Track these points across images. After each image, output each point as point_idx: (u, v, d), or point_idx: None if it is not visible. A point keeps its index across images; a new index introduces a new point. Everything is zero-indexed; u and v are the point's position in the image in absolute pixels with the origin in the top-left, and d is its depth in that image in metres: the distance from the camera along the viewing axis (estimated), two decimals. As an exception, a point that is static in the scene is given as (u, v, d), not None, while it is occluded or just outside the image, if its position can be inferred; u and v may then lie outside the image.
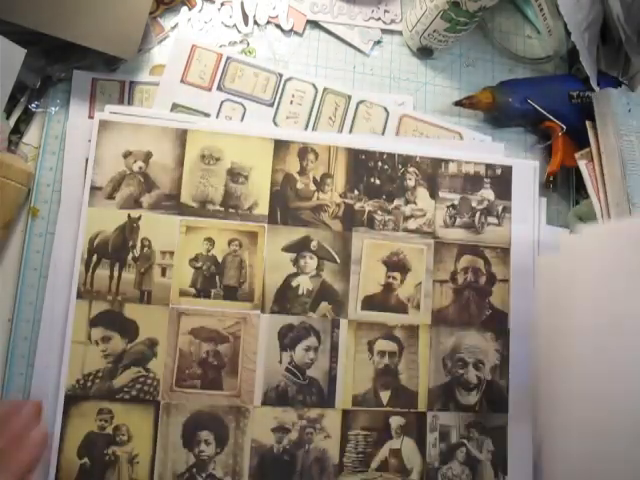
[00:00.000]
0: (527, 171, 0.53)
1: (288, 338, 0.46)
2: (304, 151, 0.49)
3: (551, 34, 0.58)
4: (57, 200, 0.46)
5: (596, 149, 0.52)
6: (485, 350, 0.49)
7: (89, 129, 0.47)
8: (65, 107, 0.48)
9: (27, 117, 0.48)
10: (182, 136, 0.47)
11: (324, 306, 0.47)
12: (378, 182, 0.50)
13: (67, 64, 0.48)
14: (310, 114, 0.52)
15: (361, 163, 0.50)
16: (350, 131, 0.52)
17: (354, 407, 0.47)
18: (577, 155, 0.53)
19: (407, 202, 0.50)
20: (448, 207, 0.51)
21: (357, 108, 0.53)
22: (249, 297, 0.46)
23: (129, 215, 0.46)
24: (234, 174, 0.48)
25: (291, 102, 0.52)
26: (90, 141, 0.46)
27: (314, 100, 0.52)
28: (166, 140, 0.47)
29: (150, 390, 0.44)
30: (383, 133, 0.53)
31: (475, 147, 0.54)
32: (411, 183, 0.50)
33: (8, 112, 0.47)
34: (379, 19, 0.56)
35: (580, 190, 0.56)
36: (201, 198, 0.47)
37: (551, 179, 0.55)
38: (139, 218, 0.46)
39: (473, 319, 0.50)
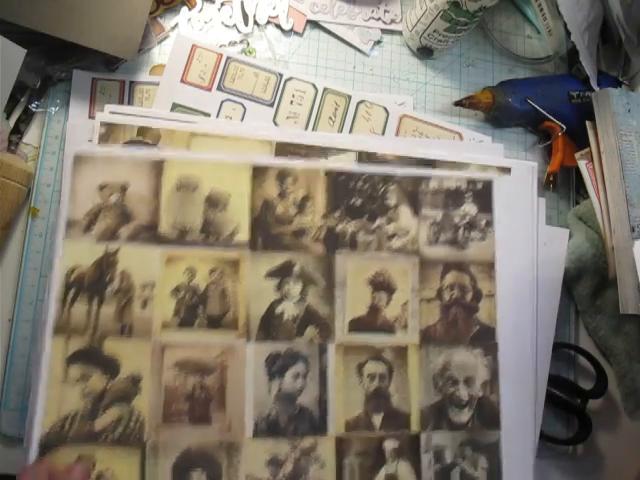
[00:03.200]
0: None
1: (276, 366, 0.45)
2: (283, 175, 0.48)
3: (551, 34, 0.58)
4: (57, 200, 0.46)
5: (596, 149, 0.53)
6: (475, 366, 0.48)
7: (89, 129, 0.46)
8: (65, 107, 0.48)
9: (27, 117, 0.48)
10: (158, 166, 0.46)
11: (310, 331, 0.46)
12: (359, 202, 0.49)
13: (67, 64, 0.48)
14: (310, 114, 0.52)
15: (341, 184, 0.48)
16: (350, 131, 0.52)
17: (347, 432, 0.45)
18: (577, 155, 0.54)
19: (389, 221, 0.49)
20: (431, 224, 0.50)
21: (357, 108, 0.53)
22: (233, 326, 0.45)
23: (107, 248, 0.44)
24: (212, 202, 0.46)
25: (291, 102, 0.52)
26: (91, 141, 0.46)
27: (314, 100, 0.52)
28: (142, 171, 0.46)
29: (135, 430, 0.42)
30: (383, 133, 0.53)
31: (475, 147, 0.54)
32: (392, 202, 0.49)
33: (8, 112, 0.47)
34: (379, 19, 0.56)
35: (580, 190, 0.56)
36: (180, 227, 0.46)
37: (551, 179, 0.55)
38: (117, 250, 0.44)
39: (461, 336, 0.49)
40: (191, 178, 0.46)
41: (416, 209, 0.50)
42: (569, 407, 0.51)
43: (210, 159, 0.47)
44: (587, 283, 0.52)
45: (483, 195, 0.51)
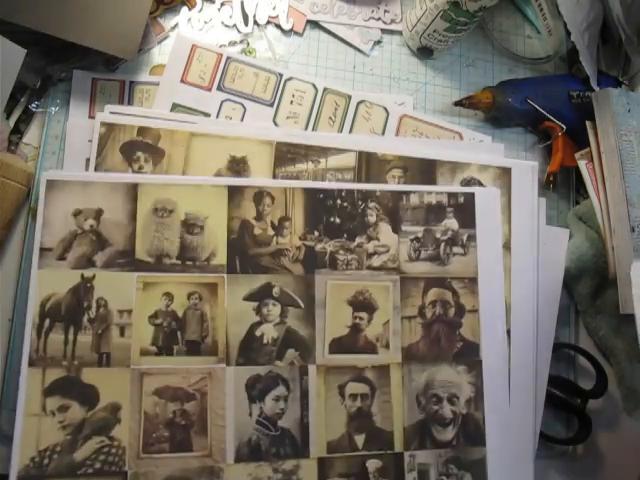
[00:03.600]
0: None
1: (256, 389, 0.45)
2: (259, 195, 0.47)
3: (551, 34, 0.58)
4: (57, 200, 0.46)
5: (596, 149, 0.53)
6: (458, 383, 0.48)
7: (89, 129, 0.46)
8: (65, 107, 0.48)
9: (27, 117, 0.48)
10: (133, 190, 0.45)
11: (291, 353, 0.46)
12: (338, 221, 0.48)
13: (67, 64, 0.48)
14: (310, 114, 0.52)
15: (319, 202, 0.48)
16: (350, 131, 0.52)
17: (329, 454, 0.45)
18: (577, 155, 0.54)
19: (369, 239, 0.48)
20: (412, 240, 0.49)
21: (357, 108, 0.53)
22: (213, 351, 0.45)
23: (82, 275, 0.44)
24: (189, 225, 0.46)
25: (291, 102, 0.52)
26: (91, 141, 0.46)
27: (314, 100, 0.52)
28: (116, 196, 0.45)
29: (115, 460, 0.42)
30: (383, 133, 0.53)
31: (475, 147, 0.54)
32: (372, 219, 0.49)
33: (8, 112, 0.47)
34: (379, 19, 0.56)
35: (580, 190, 0.56)
36: (157, 252, 0.45)
37: (551, 179, 0.55)
38: (93, 277, 0.44)
39: (444, 353, 0.48)
40: (167, 202, 0.46)
41: (396, 225, 0.49)
42: (569, 407, 0.51)
43: (185, 181, 0.47)
44: (587, 283, 0.52)
45: (465, 209, 0.51)
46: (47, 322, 0.43)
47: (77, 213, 0.45)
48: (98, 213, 0.45)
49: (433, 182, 0.51)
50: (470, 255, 0.50)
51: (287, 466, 0.44)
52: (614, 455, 0.52)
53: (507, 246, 0.51)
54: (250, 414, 0.45)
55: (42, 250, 0.44)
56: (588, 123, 0.53)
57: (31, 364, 0.42)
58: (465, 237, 0.50)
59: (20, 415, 0.41)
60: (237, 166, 0.49)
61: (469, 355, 0.49)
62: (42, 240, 0.44)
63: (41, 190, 0.44)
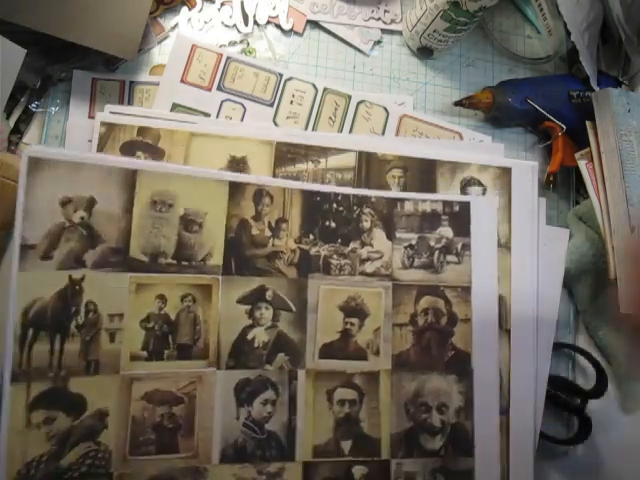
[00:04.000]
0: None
1: (245, 393, 0.44)
2: (259, 194, 0.47)
3: (551, 34, 0.58)
4: (57, 200, 0.46)
5: (596, 149, 0.53)
6: (448, 392, 0.47)
7: (89, 129, 0.46)
8: (65, 107, 0.48)
9: (27, 117, 0.48)
10: (131, 178, 0.42)
11: (281, 357, 0.45)
12: (333, 225, 0.48)
13: (67, 64, 0.48)
14: (310, 114, 0.52)
15: (316, 205, 0.48)
16: (350, 131, 0.52)
17: (315, 459, 0.45)
18: (577, 155, 0.54)
19: (363, 244, 0.48)
20: (406, 247, 0.49)
21: (357, 108, 0.53)
22: (204, 354, 0.44)
23: (70, 277, 0.40)
24: (188, 222, 0.44)
25: (291, 102, 0.52)
26: (91, 141, 0.46)
27: (314, 100, 0.52)
28: (112, 183, 0.41)
29: (102, 463, 0.41)
30: (383, 133, 0.53)
31: (475, 147, 0.54)
32: (367, 225, 0.49)
33: (8, 112, 0.47)
34: (379, 19, 0.56)
35: (580, 190, 0.56)
36: (152, 250, 0.43)
37: (551, 179, 0.55)
38: (82, 279, 0.40)
39: (435, 361, 0.48)
40: (166, 194, 0.43)
41: (391, 232, 0.49)
42: (569, 407, 0.51)
43: (187, 172, 0.45)
44: (587, 283, 0.52)
45: (460, 217, 0.50)
46: (31, 332, 0.39)
47: (66, 202, 0.40)
48: (90, 203, 0.41)
49: (433, 182, 0.51)
50: (464, 264, 0.50)
51: (272, 468, 0.44)
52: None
53: (507, 246, 0.51)
54: (237, 417, 0.44)
55: (24, 247, 0.39)
56: (588, 123, 0.53)
57: (14, 379, 0.39)
58: (459, 246, 0.50)
59: (4, 432, 0.39)
60: (237, 166, 0.48)
61: (460, 364, 0.48)
62: (24, 235, 0.39)
63: (22, 170, 0.39)
